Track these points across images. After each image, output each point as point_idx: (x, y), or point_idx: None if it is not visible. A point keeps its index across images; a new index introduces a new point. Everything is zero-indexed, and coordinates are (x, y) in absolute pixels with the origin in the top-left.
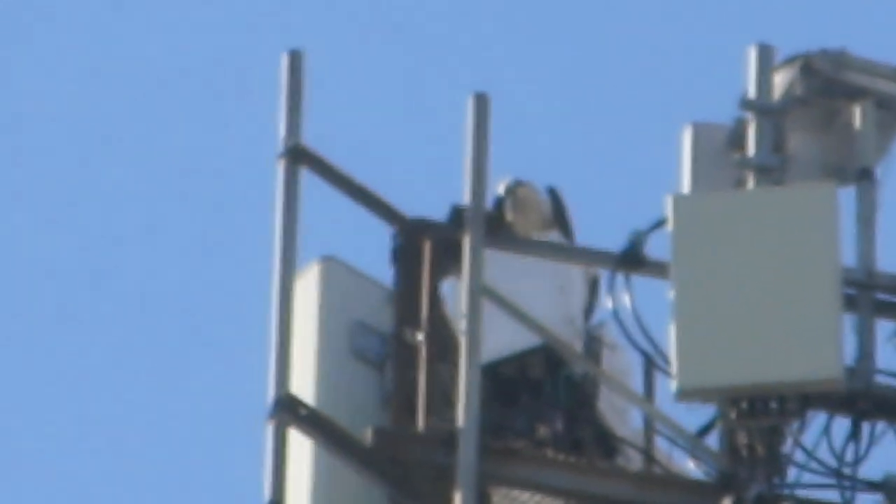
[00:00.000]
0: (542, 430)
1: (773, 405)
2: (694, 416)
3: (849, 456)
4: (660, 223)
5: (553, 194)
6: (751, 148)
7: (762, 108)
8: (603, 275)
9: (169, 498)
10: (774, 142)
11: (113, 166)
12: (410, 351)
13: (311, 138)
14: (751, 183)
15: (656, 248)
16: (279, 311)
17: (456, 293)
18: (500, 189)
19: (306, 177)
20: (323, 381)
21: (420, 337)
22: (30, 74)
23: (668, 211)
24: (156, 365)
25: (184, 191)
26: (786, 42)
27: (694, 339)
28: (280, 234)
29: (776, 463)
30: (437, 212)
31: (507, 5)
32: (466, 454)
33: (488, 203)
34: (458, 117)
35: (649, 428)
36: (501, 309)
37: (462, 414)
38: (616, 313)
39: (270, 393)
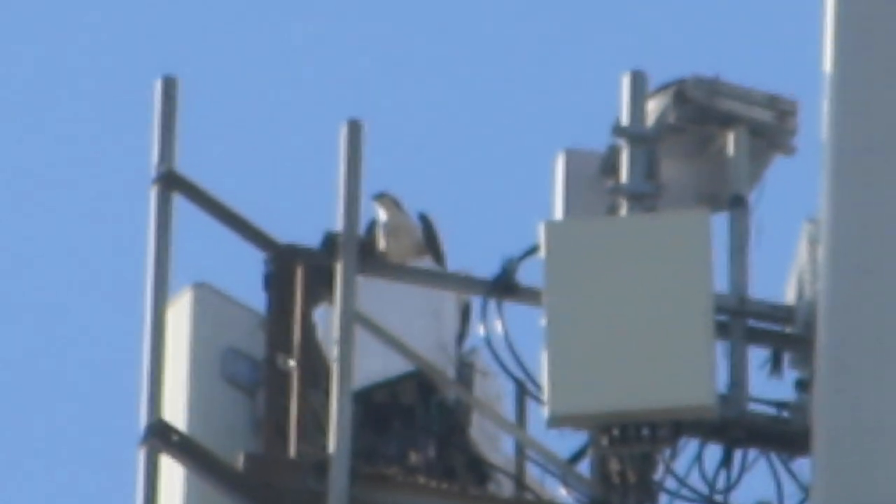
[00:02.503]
0: (414, 457)
1: (645, 432)
2: (566, 442)
3: (720, 483)
4: (532, 250)
5: (424, 220)
6: (624, 175)
7: (635, 135)
8: (475, 301)
9: None
10: (647, 169)
11: None
12: (282, 377)
13: (184, 164)
14: (624, 210)
15: (529, 274)
16: (152, 337)
17: (328, 319)
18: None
19: (179, 203)
20: (194, 406)
21: (292, 363)
22: None
23: (541, 237)
24: (28, 389)
25: (55, 215)
26: (659, 69)
27: (566, 365)
28: (152, 261)
29: (648, 490)
30: (310, 238)
31: (381, 30)
32: (338, 480)
33: (361, 229)
34: (331, 143)
35: (521, 455)
36: (374, 335)
37: (334, 440)
38: (488, 340)
39: (142, 419)
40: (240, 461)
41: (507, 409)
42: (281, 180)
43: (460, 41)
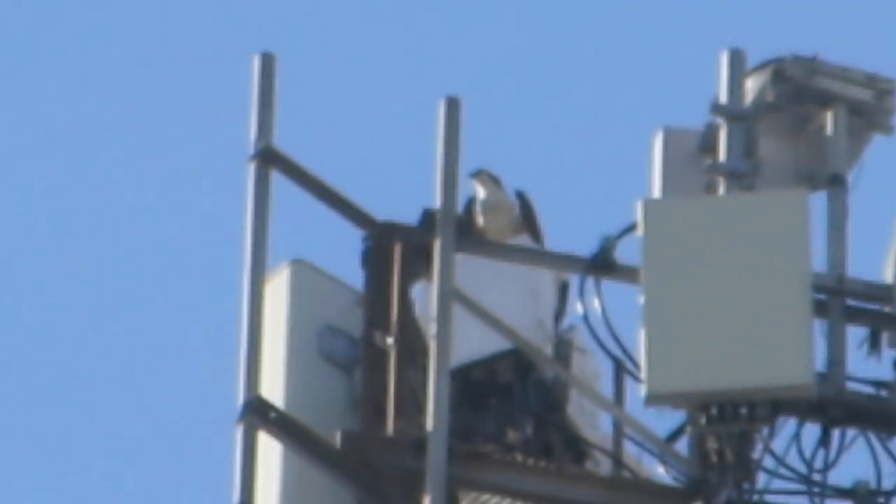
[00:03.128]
0: (512, 435)
1: (743, 411)
2: (664, 421)
3: (819, 462)
4: (630, 228)
5: (522, 198)
6: (722, 153)
7: (733, 113)
8: (573, 279)
9: (139, 500)
10: (746, 147)
11: (83, 168)
12: (380, 354)
13: (282, 141)
14: (722, 188)
15: (627, 252)
16: (249, 314)
17: (426, 297)
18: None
19: (277, 179)
20: (292, 383)
21: (390, 340)
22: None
23: (639, 216)
24: (126, 367)
25: (154, 192)
26: (758, 47)
27: (664, 343)
28: (250, 237)
29: (746, 469)
30: (408, 215)
31: (481, 8)
32: (435, 458)
33: (459, 207)
34: (430, 120)
35: (619, 433)
36: (471, 313)
37: (431, 418)
38: (586, 318)
39: (240, 396)
40: (337, 439)
41: (605, 387)
42: (379, 157)
43: (558, 17)
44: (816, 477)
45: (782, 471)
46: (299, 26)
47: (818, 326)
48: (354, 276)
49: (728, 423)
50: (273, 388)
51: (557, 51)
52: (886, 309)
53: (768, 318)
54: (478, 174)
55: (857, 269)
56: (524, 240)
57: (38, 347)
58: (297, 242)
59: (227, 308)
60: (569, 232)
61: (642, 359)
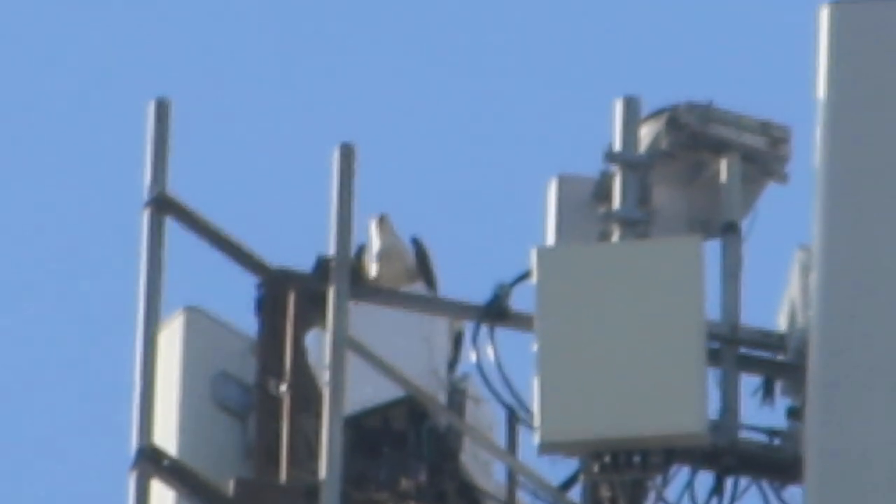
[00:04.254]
0: (405, 482)
1: (637, 459)
2: (557, 469)
3: None
4: (524, 276)
5: (417, 245)
6: (616, 201)
7: (628, 160)
8: (467, 327)
9: None
10: (640, 195)
11: None
12: (273, 402)
13: (176, 188)
14: (616, 236)
15: (521, 300)
16: (142, 361)
17: (320, 344)
18: (371, 226)
19: (171, 226)
20: (185, 431)
21: (283, 388)
22: None
23: (533, 263)
24: (18, 415)
25: (46, 238)
26: (652, 95)
27: (557, 392)
28: (144, 284)
29: None
30: (303, 262)
31: (373, 56)
32: None
33: (353, 254)
34: (324, 167)
35: (512, 481)
36: (365, 361)
37: (325, 465)
38: (480, 366)
39: (133, 443)
40: (230, 486)
41: (499, 435)
42: (273, 204)
43: (452, 66)
44: None
45: None
46: (194, 72)
47: (711, 374)
48: (248, 323)
49: (621, 472)
50: (166, 436)
51: (451, 97)
52: (780, 357)
53: (661, 366)
54: (381, 219)
55: (750, 317)
56: (419, 287)
57: None
58: (190, 289)
59: (120, 355)
60: (463, 279)
61: (535, 407)
